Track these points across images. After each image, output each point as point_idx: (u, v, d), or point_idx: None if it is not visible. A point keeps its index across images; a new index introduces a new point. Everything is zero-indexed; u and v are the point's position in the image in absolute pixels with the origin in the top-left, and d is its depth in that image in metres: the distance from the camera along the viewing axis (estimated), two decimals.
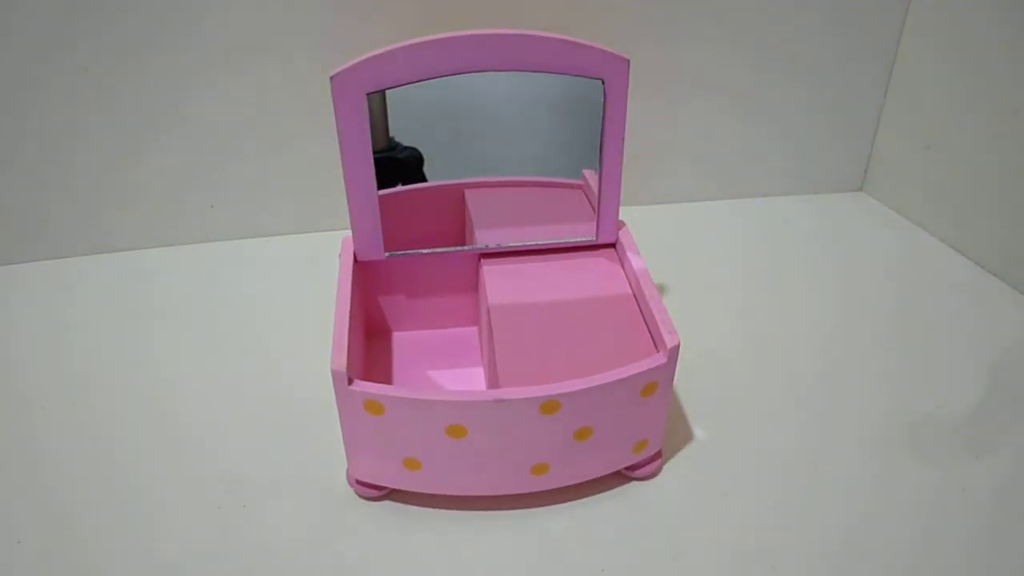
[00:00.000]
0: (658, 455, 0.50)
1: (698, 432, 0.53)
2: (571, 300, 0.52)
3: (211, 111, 0.68)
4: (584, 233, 0.55)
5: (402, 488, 0.48)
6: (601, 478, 0.49)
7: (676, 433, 0.53)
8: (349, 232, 0.53)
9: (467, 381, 0.56)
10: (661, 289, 0.67)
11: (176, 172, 0.70)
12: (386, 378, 0.56)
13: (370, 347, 0.58)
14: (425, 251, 0.55)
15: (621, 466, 0.49)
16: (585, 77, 0.49)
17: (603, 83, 0.49)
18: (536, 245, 0.56)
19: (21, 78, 0.64)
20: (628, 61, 0.49)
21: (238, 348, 0.61)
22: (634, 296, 0.52)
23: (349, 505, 0.48)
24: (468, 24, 0.48)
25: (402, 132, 0.52)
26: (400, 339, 0.59)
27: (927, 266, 0.72)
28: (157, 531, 0.47)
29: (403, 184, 0.54)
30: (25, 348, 0.62)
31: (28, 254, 0.71)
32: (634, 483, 0.50)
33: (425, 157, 0.54)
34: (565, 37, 0.47)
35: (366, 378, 0.45)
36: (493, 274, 0.54)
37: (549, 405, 0.43)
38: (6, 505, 0.48)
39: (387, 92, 0.48)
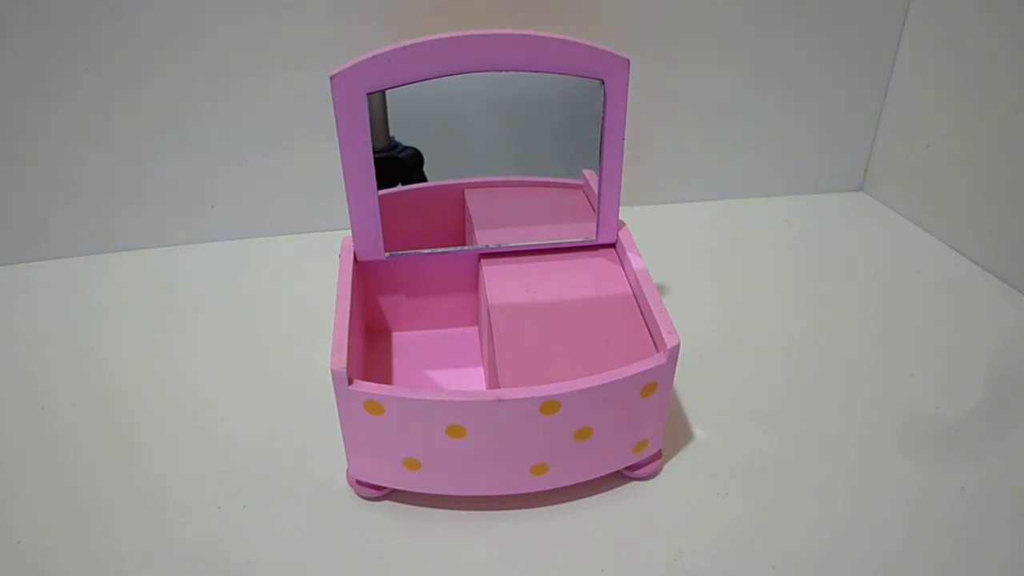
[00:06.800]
0: (658, 455, 0.50)
1: (698, 432, 0.53)
2: (571, 300, 0.52)
3: (211, 111, 0.68)
4: (584, 233, 0.55)
5: (402, 488, 0.48)
6: (601, 478, 0.49)
7: (676, 433, 0.53)
8: (349, 232, 0.53)
9: (467, 381, 0.56)
10: (661, 289, 0.67)
11: (176, 172, 0.70)
12: (386, 378, 0.56)
13: (370, 347, 0.58)
14: (425, 251, 0.55)
15: (621, 466, 0.49)
16: (585, 77, 0.49)
17: (603, 83, 0.49)
18: (536, 245, 0.56)
19: (29, 80, 0.64)
20: (628, 61, 0.48)
21: (238, 348, 0.61)
22: (634, 296, 0.52)
23: (349, 505, 0.48)
24: (468, 24, 0.48)
25: (402, 132, 0.52)
26: (400, 339, 0.59)
27: (927, 266, 0.72)
28: (157, 531, 0.47)
29: (403, 184, 0.54)
30: (25, 347, 0.62)
31: (30, 254, 0.71)
32: (634, 483, 0.50)
33: (425, 157, 0.54)
34: (565, 37, 0.47)
35: (366, 378, 0.45)
36: (493, 274, 0.54)
37: (549, 405, 0.43)
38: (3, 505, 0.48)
39: (387, 92, 0.48)
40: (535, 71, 0.48)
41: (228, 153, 0.70)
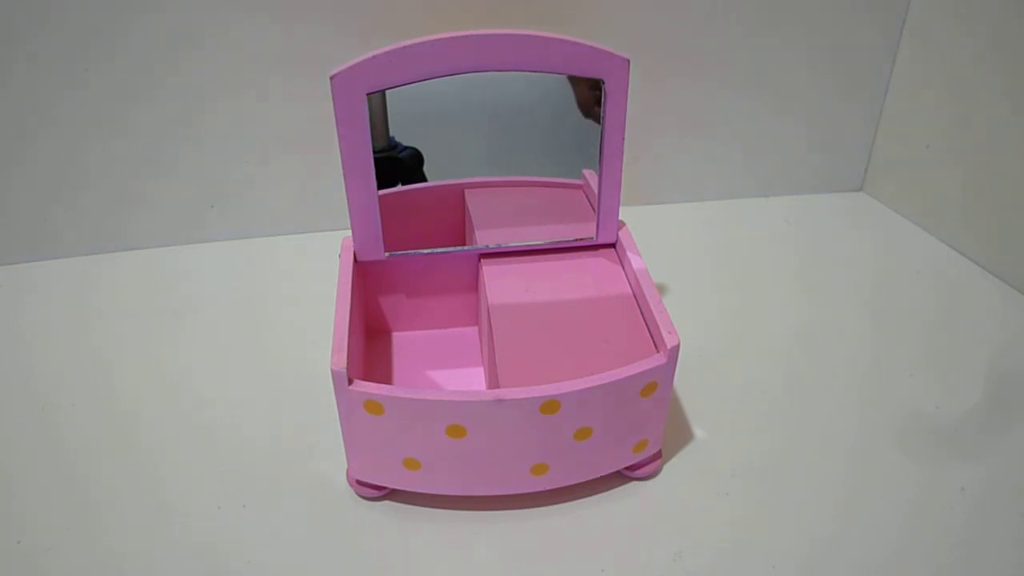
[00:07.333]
0: (658, 455, 0.50)
1: (698, 432, 0.53)
2: (571, 300, 0.52)
3: (211, 111, 0.68)
4: (584, 233, 0.55)
5: (402, 488, 0.48)
6: (601, 478, 0.49)
7: (676, 433, 0.53)
8: (349, 232, 0.53)
9: (467, 381, 0.56)
10: (661, 289, 0.67)
11: (177, 173, 0.70)
12: (386, 378, 0.56)
13: (370, 347, 0.58)
14: (425, 251, 0.55)
15: (621, 466, 0.49)
16: (585, 77, 0.49)
17: (603, 83, 0.49)
18: (536, 245, 0.56)
19: (30, 81, 0.64)
20: (628, 61, 0.49)
21: (238, 348, 0.61)
22: (634, 296, 0.52)
23: (349, 505, 0.48)
24: (468, 24, 0.48)
25: (402, 132, 0.52)
26: (400, 339, 0.59)
27: (927, 266, 0.72)
28: (156, 532, 0.47)
29: (403, 184, 0.54)
30: (26, 347, 0.62)
31: (30, 254, 0.71)
32: (634, 483, 0.50)
33: (425, 157, 0.54)
34: (565, 37, 0.47)
35: (366, 378, 0.45)
36: (493, 274, 0.54)
37: (549, 405, 0.43)
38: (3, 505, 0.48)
39: (387, 92, 0.48)
40: (535, 71, 0.48)
41: (228, 153, 0.70)
